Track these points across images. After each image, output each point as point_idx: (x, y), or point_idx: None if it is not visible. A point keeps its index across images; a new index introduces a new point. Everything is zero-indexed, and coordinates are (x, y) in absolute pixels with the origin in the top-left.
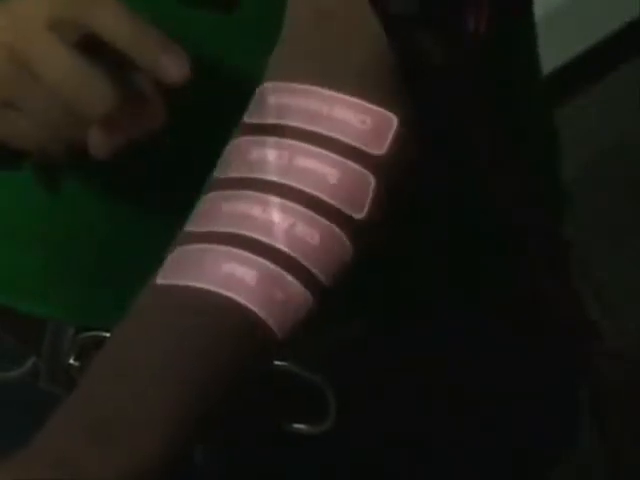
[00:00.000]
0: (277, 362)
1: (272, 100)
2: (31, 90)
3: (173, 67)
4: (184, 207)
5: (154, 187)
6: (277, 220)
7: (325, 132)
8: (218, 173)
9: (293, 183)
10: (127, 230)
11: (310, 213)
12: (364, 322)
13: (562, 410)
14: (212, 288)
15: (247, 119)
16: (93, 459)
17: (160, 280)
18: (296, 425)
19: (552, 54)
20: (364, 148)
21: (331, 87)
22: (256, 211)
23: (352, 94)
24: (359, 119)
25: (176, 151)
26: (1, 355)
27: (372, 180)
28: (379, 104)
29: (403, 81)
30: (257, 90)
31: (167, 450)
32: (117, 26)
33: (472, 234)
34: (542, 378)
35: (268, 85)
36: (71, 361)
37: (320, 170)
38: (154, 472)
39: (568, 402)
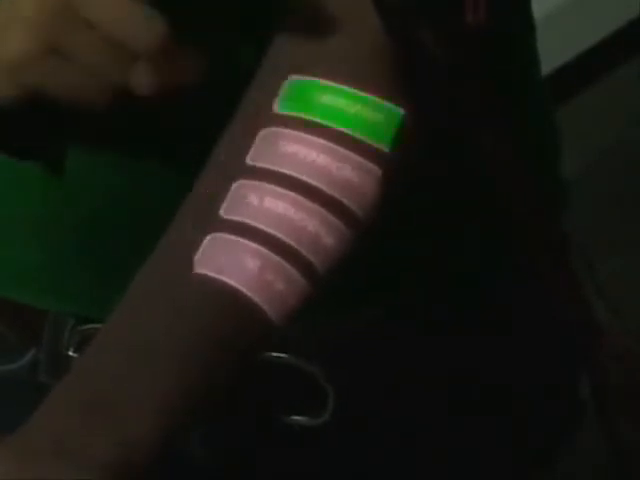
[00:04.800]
0: (276, 354)
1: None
2: (78, 35)
3: (143, 34)
4: (180, 198)
5: (153, 181)
6: (282, 211)
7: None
8: (248, 159)
9: (321, 185)
10: (127, 222)
11: (309, 204)
12: (362, 315)
13: (563, 410)
14: (212, 274)
15: (279, 110)
16: (91, 436)
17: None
18: (294, 417)
19: (552, 54)
20: (376, 145)
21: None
22: (267, 203)
23: (361, 87)
24: (378, 118)
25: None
26: (0, 347)
27: (379, 176)
28: (381, 97)
29: (402, 74)
30: (285, 80)
31: (165, 427)
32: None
33: (473, 233)
34: (544, 377)
35: (295, 77)
36: (71, 353)
37: (332, 167)
38: (153, 447)
39: (570, 401)
